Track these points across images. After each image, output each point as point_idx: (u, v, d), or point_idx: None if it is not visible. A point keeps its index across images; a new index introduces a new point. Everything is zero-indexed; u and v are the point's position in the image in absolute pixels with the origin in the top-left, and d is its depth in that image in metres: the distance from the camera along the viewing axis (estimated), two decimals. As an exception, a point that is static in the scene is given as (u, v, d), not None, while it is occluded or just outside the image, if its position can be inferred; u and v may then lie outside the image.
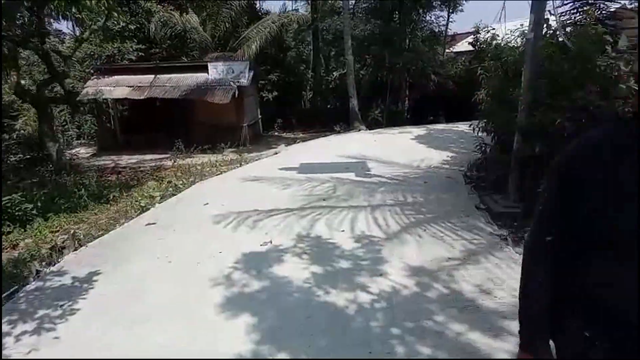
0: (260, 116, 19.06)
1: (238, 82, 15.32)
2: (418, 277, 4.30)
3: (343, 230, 5.57)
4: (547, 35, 6.37)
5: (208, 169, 11.11)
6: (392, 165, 9.24)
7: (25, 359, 3.31)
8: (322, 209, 6.41)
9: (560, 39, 5.71)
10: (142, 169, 13.38)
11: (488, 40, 20.22)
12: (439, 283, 4.20)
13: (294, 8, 27.12)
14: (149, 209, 6.85)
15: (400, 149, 11.09)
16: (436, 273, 4.38)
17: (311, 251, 4.93)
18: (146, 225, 5.98)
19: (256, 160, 11.68)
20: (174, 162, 13.33)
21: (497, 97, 7.07)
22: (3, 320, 3.71)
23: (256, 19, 20.94)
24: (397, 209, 6.38)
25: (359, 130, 14.45)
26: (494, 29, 21.04)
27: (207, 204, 6.79)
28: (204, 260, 4.69)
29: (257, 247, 5.05)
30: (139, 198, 7.74)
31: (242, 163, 10.85)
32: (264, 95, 21.62)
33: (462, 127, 14.79)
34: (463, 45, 21.31)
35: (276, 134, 20.99)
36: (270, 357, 3.13)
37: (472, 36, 20.55)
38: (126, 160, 14.62)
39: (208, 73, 15.61)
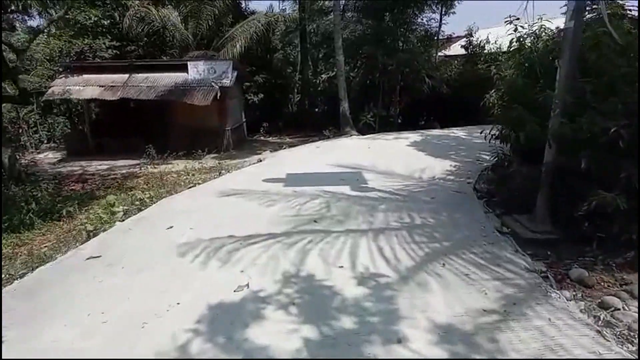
0: (244, 119, 17.71)
1: (220, 83, 13.98)
2: (450, 345, 3.04)
3: (342, 267, 4.29)
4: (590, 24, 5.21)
5: (184, 177, 9.75)
6: (391, 177, 8.01)
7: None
8: (314, 235, 5.12)
9: (607, 28, 4.53)
10: (112, 176, 11.92)
11: (481, 43, 19.38)
12: (481, 353, 2.95)
13: (281, 8, 25.84)
14: (97, 233, 5.45)
15: (397, 157, 9.87)
16: (474, 337, 3.12)
17: (301, 300, 3.63)
18: (87, 259, 4.59)
19: (238, 168, 10.33)
20: (148, 169, 11.92)
21: (518, 99, 5.87)
22: None
23: (241, 18, 19.61)
24: (405, 234, 5.12)
25: (351, 135, 13.21)
26: (489, 33, 20.16)
27: (172, 227, 5.44)
28: (154, 319, 3.34)
29: (229, 294, 3.73)
30: (95, 217, 6.35)
31: (222, 172, 9.49)
32: (249, 97, 20.29)
33: (459, 133, 13.71)
34: (455, 49, 20.29)
35: (262, 138, 19.66)
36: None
37: (464, 39, 19.60)
38: (96, 166, 13.13)
39: (188, 73, 14.22)
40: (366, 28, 16.13)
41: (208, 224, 5.47)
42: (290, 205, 6.23)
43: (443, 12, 18.72)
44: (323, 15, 19.92)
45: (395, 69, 14.69)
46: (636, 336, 3.20)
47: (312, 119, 21.24)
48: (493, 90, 7.83)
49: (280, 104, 22.56)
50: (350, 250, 4.71)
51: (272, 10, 23.78)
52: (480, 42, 18.95)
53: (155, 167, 12.03)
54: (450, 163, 9.16)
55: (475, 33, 19.13)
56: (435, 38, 17.32)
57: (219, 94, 13.57)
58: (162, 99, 13.38)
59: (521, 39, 6.15)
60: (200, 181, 8.57)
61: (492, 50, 18.78)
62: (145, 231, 5.43)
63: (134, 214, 6.58)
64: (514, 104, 5.76)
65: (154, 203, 6.94)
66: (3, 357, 3.00)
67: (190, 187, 7.70)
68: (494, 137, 7.74)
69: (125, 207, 7.29)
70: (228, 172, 9.37)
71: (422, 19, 18.02)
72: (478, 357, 2.92)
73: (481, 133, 7.92)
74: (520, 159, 6.13)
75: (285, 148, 13.30)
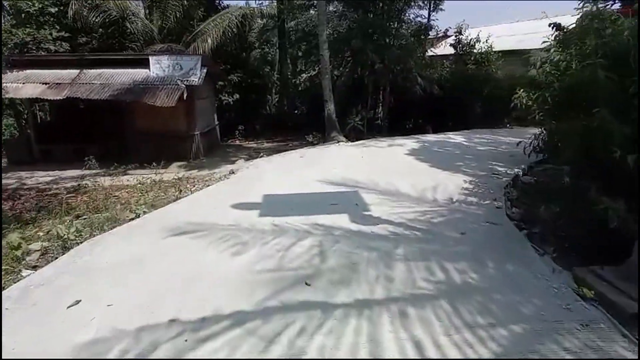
0: (217, 122, 15.52)
1: (187, 80, 11.81)
2: None
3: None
4: None
5: (136, 197, 7.60)
6: (397, 198, 6.08)
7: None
8: (307, 313, 3.13)
9: None
10: (54, 192, 9.59)
11: (471, 42, 17.75)
12: None
13: (258, 3, 23.63)
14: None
15: (398, 170, 7.96)
16: None
17: None
18: None
19: (205, 183, 8.24)
20: (100, 182, 9.63)
21: (592, 101, 4.02)
22: None
23: (214, 12, 17.39)
24: (448, 309, 3.20)
25: (338, 142, 11.23)
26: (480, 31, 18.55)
27: (80, 301, 3.33)
28: None
29: None
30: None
31: (183, 190, 7.37)
32: (223, 98, 18.09)
33: (457, 138, 11.92)
34: (443, 48, 18.60)
35: (237, 142, 17.49)
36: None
37: (453, 37, 17.93)
38: (38, 178, 10.72)
39: (150, 69, 11.97)
40: (351, 22, 14.18)
41: (139, 295, 3.39)
42: (268, 252, 4.20)
43: (431, 9, 16.98)
44: (304, 11, 17.90)
45: (385, 66, 12.79)
46: None
47: (292, 122, 19.22)
48: (521, 90, 6.05)
49: (258, 105, 20.45)
50: (370, 349, 2.74)
51: (248, 4, 21.67)
52: (470, 40, 17.32)
53: (109, 180, 9.77)
54: (463, 178, 7.31)
55: (465, 31, 17.49)
56: (423, 36, 15.51)
57: (185, 94, 11.38)
58: (117, 98, 11.08)
59: (592, 18, 4.28)
60: (151, 204, 6.42)
61: (483, 50, 17.28)
62: (33, 310, 3.28)
63: (55, 257, 4.47)
64: (592, 108, 3.89)
65: (79, 244, 4.78)
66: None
67: (133, 219, 5.51)
68: (537, 149, 5.95)
69: (45, 244, 5.16)
70: (189, 192, 7.23)
71: (408, 16, 16.22)
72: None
73: (518, 145, 6.16)
74: (595, 183, 4.28)
75: (262, 156, 11.22)
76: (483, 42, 17.23)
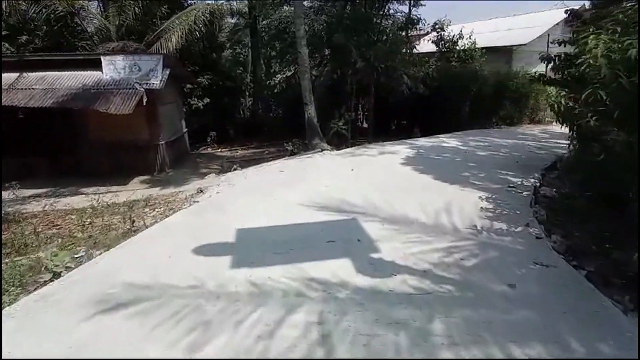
0: (186, 129, 13.79)
1: (147, 84, 10.09)
2: None
3: None
4: None
5: (78, 231, 5.93)
6: (408, 228, 4.68)
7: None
8: None
9: None
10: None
11: (454, 39, 16.61)
12: None
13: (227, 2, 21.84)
14: None
15: (397, 184, 6.57)
16: None
17: None
18: None
19: (168, 206, 6.64)
20: (44, 206, 7.83)
21: None
22: None
23: (179, 9, 15.59)
24: None
25: (322, 151, 9.72)
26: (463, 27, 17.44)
27: None
28: None
29: None
30: None
31: (139, 220, 5.72)
32: (192, 102, 16.35)
33: (452, 142, 10.64)
34: (427, 46, 17.39)
35: (209, 150, 15.79)
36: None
37: (434, 33, 16.74)
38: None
39: (102, 71, 10.19)
40: (330, 17, 12.72)
41: None
42: (244, 342, 2.69)
43: (412, 4, 15.69)
44: (277, 7, 16.31)
45: (369, 64, 11.41)
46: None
47: (268, 126, 17.67)
48: (556, 89, 4.80)
49: (231, 109, 18.77)
50: None
51: (216, 1, 19.93)
52: (454, 36, 16.19)
53: (51, 205, 7.97)
54: (476, 194, 5.98)
55: (447, 27, 16.34)
56: (409, 31, 14.21)
57: (145, 99, 9.67)
58: (62, 106, 9.26)
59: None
60: (92, 244, 4.79)
61: (466, 46, 16.19)
62: None
63: None
64: None
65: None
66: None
67: (47, 283, 3.84)
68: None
69: None
70: (145, 221, 5.60)
71: (388, 11, 14.87)
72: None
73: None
74: None
75: (236, 168, 9.62)
76: (466, 39, 16.14)
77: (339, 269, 3.65)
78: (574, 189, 6.56)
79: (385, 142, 10.72)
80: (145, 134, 10.92)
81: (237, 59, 22.37)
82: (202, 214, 5.49)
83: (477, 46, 16.15)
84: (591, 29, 4.62)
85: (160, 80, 10.17)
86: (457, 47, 16.13)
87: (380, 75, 12.00)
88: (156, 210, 6.87)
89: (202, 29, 14.21)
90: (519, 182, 6.67)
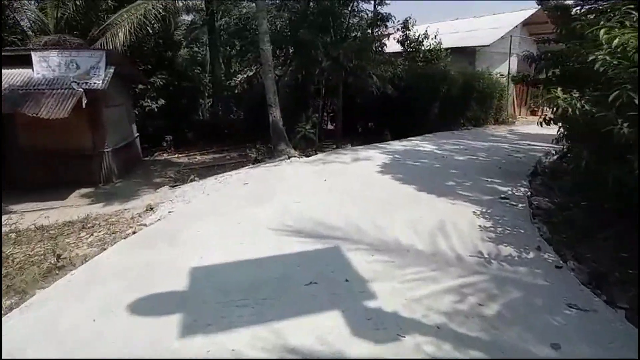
0: (137, 134, 12.33)
1: (87, 83, 8.68)
2: None
3: None
4: None
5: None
6: (402, 259, 3.80)
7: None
8: None
9: None
10: None
11: (420, 38, 16.07)
12: None
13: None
14: None
15: (379, 197, 5.70)
16: None
17: None
18: None
19: (109, 229, 5.43)
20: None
21: None
22: None
23: (128, 3, 14.01)
24: None
25: (290, 158, 8.69)
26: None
27: None
28: None
29: None
30: None
31: (65, 254, 4.49)
32: (145, 104, 14.81)
33: (427, 146, 9.91)
34: (392, 45, 16.73)
35: (165, 156, 14.31)
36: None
37: (399, 32, 16.08)
38: None
39: (33, 69, 8.67)
40: (293, 13, 11.70)
41: None
42: None
43: (377, 2, 14.96)
44: (236, 3, 15.10)
45: (336, 63, 10.51)
46: None
47: (229, 128, 16.40)
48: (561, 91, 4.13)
49: (189, 111, 17.30)
50: None
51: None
52: (419, 36, 15.64)
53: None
54: (470, 208, 5.22)
55: (412, 27, 15.75)
56: (377, 29, 13.43)
57: (84, 100, 8.27)
58: (-20, 110, 7.68)
59: None
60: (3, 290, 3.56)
61: (431, 47, 15.70)
62: None
63: None
64: None
65: None
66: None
67: None
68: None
69: None
70: (72, 259, 4.37)
71: (355, 8, 14.04)
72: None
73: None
74: None
75: (194, 179, 8.43)
76: (431, 39, 15.65)
77: (328, 330, 2.69)
78: (565, 198, 6.01)
79: (356, 147, 9.88)
80: (87, 140, 9.46)
81: (195, 58, 20.88)
82: (148, 246, 4.34)
83: (442, 46, 15.74)
84: (601, 22, 3.97)
85: (103, 80, 8.77)
86: (423, 47, 15.62)
87: (349, 75, 11.16)
88: (94, 234, 5.64)
89: (155, 25, 12.82)
90: (509, 192, 6.01)
